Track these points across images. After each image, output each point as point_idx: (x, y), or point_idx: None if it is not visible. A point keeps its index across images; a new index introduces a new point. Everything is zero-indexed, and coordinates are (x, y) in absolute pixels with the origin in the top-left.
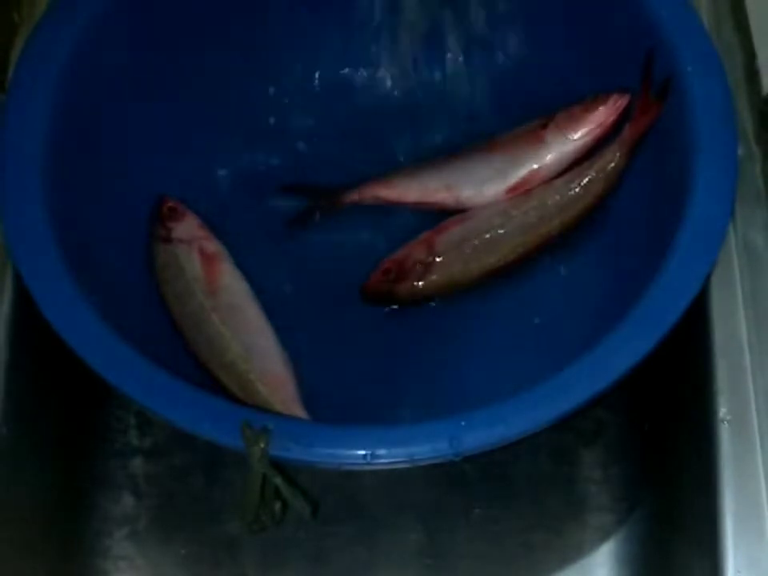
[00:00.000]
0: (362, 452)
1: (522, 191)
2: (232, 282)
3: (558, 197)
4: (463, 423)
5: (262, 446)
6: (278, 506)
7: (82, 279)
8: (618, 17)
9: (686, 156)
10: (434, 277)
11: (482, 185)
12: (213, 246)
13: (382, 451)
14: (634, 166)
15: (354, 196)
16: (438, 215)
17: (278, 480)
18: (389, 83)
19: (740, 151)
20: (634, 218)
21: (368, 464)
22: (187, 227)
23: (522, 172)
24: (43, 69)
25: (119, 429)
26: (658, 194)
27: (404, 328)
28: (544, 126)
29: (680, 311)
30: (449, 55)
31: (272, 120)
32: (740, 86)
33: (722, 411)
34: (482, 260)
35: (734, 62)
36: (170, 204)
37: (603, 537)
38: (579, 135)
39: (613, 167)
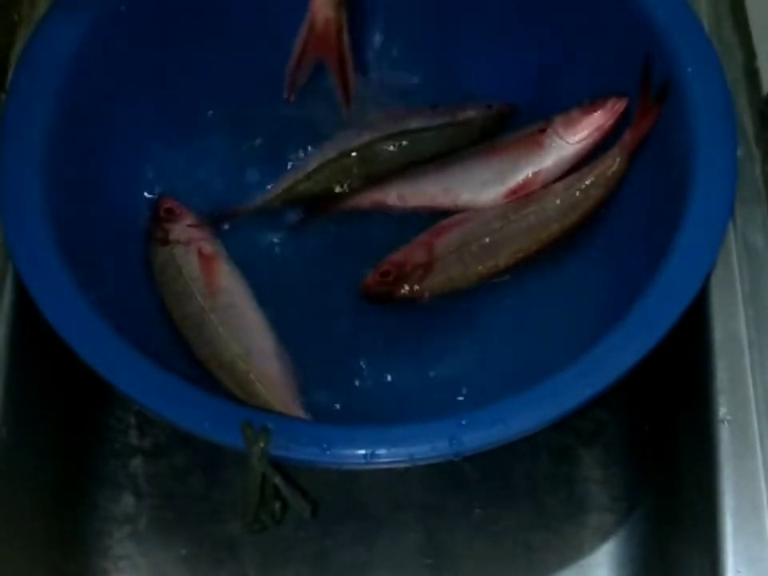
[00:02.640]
0: (362, 452)
1: (521, 195)
2: (231, 283)
3: (557, 201)
4: (463, 423)
5: (262, 445)
6: (277, 505)
7: (82, 279)
8: (616, 18)
9: (685, 156)
10: (432, 279)
11: (481, 189)
12: (211, 246)
13: (381, 451)
14: (635, 167)
15: (352, 202)
16: (438, 216)
17: (278, 479)
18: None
19: (740, 151)
20: (635, 218)
21: (368, 464)
22: (185, 228)
23: (521, 176)
24: (43, 69)
25: (119, 429)
26: (658, 194)
27: (404, 328)
28: (542, 130)
29: (680, 311)
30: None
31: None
32: (740, 86)
33: (722, 411)
34: (481, 264)
35: (733, 62)
36: (167, 205)
37: (603, 537)
38: (578, 139)
39: (613, 172)
